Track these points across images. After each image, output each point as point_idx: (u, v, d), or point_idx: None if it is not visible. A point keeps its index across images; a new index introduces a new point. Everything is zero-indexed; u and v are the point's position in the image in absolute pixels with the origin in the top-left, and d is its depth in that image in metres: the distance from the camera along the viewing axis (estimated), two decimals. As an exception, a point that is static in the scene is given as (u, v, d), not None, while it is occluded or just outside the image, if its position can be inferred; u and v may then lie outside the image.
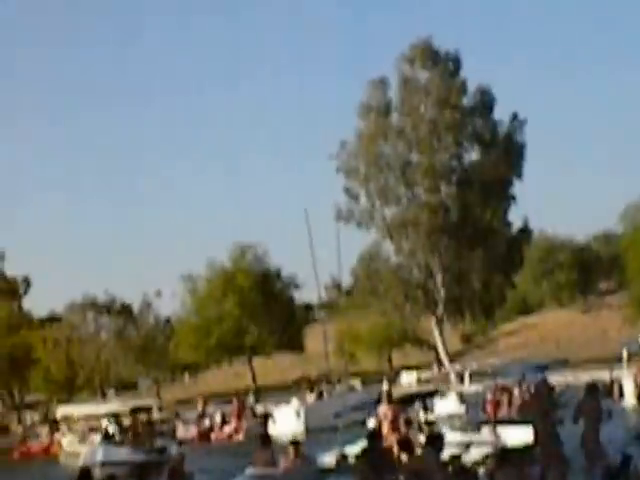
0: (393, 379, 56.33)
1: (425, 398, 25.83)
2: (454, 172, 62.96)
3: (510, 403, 30.04)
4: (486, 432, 20.97)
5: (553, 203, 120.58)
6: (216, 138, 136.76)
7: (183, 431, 41.91)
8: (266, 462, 16.62)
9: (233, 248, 67.34)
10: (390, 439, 18.06)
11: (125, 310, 75.70)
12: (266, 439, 17.75)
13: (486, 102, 63.19)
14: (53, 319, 78.09)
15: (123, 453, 29.07)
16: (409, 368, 65.61)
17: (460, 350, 78.41)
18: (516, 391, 29.99)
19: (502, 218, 63.86)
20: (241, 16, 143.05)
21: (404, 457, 13.29)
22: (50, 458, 40.47)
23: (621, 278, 71.83)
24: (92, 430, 37.64)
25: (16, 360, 70.33)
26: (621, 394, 35.42)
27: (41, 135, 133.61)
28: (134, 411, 33.77)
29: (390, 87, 63.58)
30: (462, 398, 37.35)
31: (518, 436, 18.86)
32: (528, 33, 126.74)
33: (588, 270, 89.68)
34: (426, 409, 24.98)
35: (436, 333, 64.90)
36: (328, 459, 21.36)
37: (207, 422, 42.35)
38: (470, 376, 51.30)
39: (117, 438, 32.99)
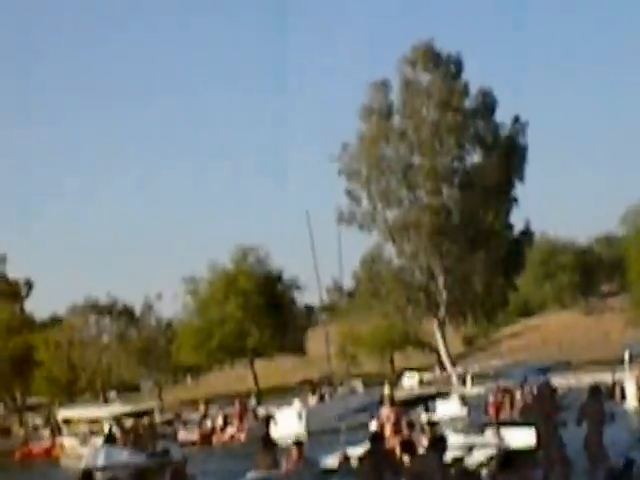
0: (395, 382, 56.23)
1: (427, 400, 25.76)
2: (456, 174, 62.96)
3: (512, 405, 30.04)
4: (489, 434, 20.94)
5: (555, 205, 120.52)
6: (216, 138, 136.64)
7: (185, 433, 41.92)
8: (268, 464, 16.62)
9: (235, 250, 67.54)
10: (392, 441, 18.03)
11: (127, 312, 75.65)
12: (268, 441, 17.76)
13: (488, 104, 63.22)
14: (55, 321, 78.08)
15: (125, 455, 29.01)
16: (411, 370, 65.62)
17: (462, 352, 78.31)
18: (518, 393, 29.97)
19: (504, 220, 63.84)
20: (241, 16, 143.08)
21: (406, 459, 13.26)
22: (52, 460, 40.51)
23: (623, 280, 71.72)
24: (93, 433, 37.65)
25: (18, 362, 70.39)
26: (623, 396, 35.33)
27: (41, 137, 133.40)
28: (137, 415, 33.77)
29: (392, 89, 63.70)
30: (464, 400, 37.23)
31: (520, 439, 18.80)
32: (529, 35, 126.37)
33: (590, 272, 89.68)
34: (428, 410, 24.93)
35: (438, 335, 64.86)
36: (331, 461, 21.30)
37: (209, 424, 42.38)
38: (472, 378, 51.32)
39: (119, 441, 32.99)
